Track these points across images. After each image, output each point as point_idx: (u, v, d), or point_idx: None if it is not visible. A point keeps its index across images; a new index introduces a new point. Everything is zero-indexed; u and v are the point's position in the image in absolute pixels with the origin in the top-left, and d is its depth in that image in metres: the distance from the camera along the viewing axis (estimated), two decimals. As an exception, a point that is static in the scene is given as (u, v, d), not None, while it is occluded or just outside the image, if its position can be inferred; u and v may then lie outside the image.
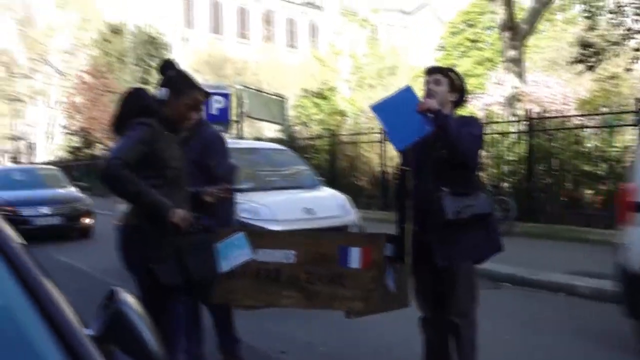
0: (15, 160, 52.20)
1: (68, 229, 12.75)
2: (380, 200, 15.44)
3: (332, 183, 12.10)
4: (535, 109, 13.82)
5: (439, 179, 3.61)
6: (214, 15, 52.12)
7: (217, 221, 3.93)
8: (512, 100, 15.41)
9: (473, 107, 20.37)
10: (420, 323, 3.90)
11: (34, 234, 11.58)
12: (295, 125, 21.74)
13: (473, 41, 26.33)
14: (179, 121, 3.45)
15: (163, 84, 3.46)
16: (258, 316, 4.62)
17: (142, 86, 4.18)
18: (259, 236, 3.95)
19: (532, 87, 17.18)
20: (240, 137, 16.96)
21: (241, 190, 7.04)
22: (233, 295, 3.81)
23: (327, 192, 8.74)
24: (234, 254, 3.56)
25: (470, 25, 26.82)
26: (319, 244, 3.86)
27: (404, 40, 41.71)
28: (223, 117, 16.94)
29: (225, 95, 17.03)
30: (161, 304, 3.28)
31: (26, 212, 12.26)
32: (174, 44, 19.71)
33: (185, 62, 19.73)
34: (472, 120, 3.81)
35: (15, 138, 59.76)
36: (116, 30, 34.63)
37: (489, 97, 18.88)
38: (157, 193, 3.17)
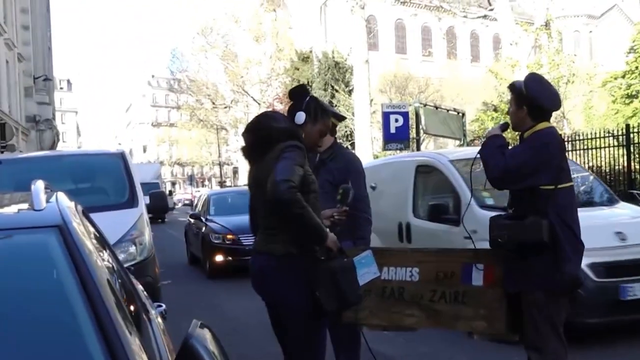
0: (222, 184, 56.84)
1: None
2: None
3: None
4: None
5: (512, 200, 3.63)
6: (398, 36, 53.36)
7: (355, 242, 3.99)
8: None
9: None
10: None
11: None
12: (474, 139, 21.64)
13: (666, 41, 24.54)
14: (311, 147, 3.47)
15: (300, 108, 3.46)
16: (415, 339, 4.65)
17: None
18: (384, 254, 3.90)
19: None
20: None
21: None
22: (360, 314, 3.76)
23: (633, 211, 6.60)
24: (362, 272, 3.49)
25: (662, 24, 25.05)
26: (442, 261, 3.76)
27: (590, 45, 39.43)
28: (402, 135, 17.50)
29: (403, 114, 17.57)
30: (314, 329, 3.25)
31: (248, 241, 10.47)
32: (356, 67, 20.64)
33: (369, 84, 20.58)
34: (528, 139, 3.57)
35: (221, 163, 65.34)
36: (305, 58, 36.90)
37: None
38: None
